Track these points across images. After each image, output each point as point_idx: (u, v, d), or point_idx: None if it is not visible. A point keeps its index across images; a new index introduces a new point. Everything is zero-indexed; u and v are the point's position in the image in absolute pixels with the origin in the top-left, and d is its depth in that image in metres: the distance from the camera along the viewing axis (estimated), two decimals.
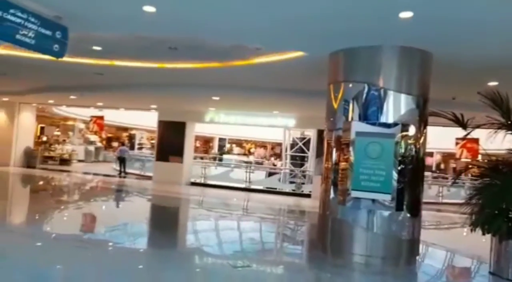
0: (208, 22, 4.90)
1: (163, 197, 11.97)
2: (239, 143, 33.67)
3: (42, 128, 22.49)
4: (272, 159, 28.91)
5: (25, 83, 12.12)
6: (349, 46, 5.40)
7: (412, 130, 5.23)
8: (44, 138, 21.47)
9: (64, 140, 22.92)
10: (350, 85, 5.46)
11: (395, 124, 5.15)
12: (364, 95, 5.30)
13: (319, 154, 12.92)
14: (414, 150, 5.27)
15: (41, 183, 13.49)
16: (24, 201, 10.20)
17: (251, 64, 6.82)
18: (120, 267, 4.58)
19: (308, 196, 13.55)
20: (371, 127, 5.20)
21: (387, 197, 5.08)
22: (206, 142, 32.89)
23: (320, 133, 12.97)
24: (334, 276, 4.75)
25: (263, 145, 33.38)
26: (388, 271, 5.02)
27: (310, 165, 17.63)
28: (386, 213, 5.17)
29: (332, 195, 5.53)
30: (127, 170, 16.66)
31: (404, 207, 5.18)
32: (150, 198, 12.09)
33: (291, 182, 16.86)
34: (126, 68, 8.11)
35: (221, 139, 32.74)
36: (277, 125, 15.43)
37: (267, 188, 15.26)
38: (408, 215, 5.26)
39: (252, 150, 32.95)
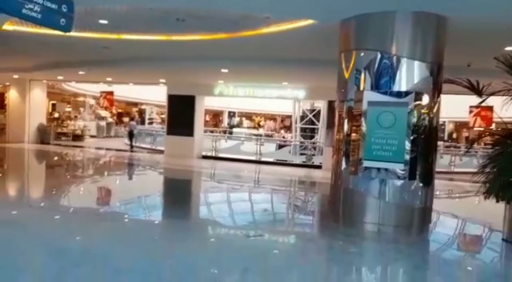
0: None
1: (175, 170, 12.14)
2: (248, 116, 33.60)
3: (53, 105, 22.69)
4: (282, 131, 28.89)
5: (33, 59, 12.13)
6: (361, 13, 5.23)
7: (425, 99, 5.13)
8: (56, 115, 21.70)
9: (75, 116, 23.15)
10: (362, 53, 5.32)
11: (408, 93, 5.05)
12: (376, 64, 5.17)
13: (329, 125, 12.84)
14: (427, 119, 5.19)
15: (56, 158, 13.75)
16: (41, 176, 10.46)
17: (260, 35, 6.67)
18: (135, 238, 4.71)
19: (318, 167, 13.60)
20: (384, 96, 5.12)
21: (400, 166, 5.06)
22: (215, 115, 32.90)
23: (330, 104, 12.86)
24: (347, 244, 4.82)
25: (272, 118, 33.27)
26: (400, 239, 5.07)
27: (320, 137, 17.61)
28: (398, 182, 5.16)
29: (344, 165, 5.53)
30: (135, 144, 17.02)
31: (417, 176, 5.17)
32: (163, 171, 12.27)
33: (301, 154, 16.91)
34: (133, 41, 8.02)
35: (230, 113, 32.70)
36: (286, 97, 15.29)
37: (277, 160, 15.34)
38: (421, 184, 5.26)
39: (261, 123, 32.91)
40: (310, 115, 18.45)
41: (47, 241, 4.43)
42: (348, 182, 5.51)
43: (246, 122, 32.54)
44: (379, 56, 5.14)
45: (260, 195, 8.90)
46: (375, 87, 5.18)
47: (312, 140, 17.65)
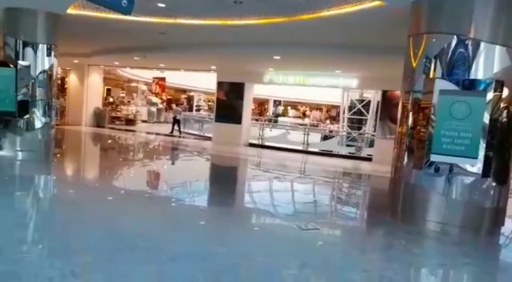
0: None
1: (223, 157, 12.18)
2: (293, 105, 33.25)
3: (108, 90, 23.68)
4: (328, 121, 28.25)
5: (92, 44, 12.61)
6: None
7: (506, 89, 4.60)
8: (111, 100, 22.63)
9: (128, 101, 24.02)
10: (434, 39, 4.87)
11: (486, 82, 4.56)
12: (451, 49, 4.70)
13: (383, 116, 12.25)
14: (506, 112, 4.67)
15: (109, 141, 14.34)
16: (95, 158, 10.94)
17: (320, 18, 6.33)
18: (185, 224, 4.69)
19: (368, 159, 13.08)
20: (458, 85, 4.66)
21: (472, 162, 4.61)
22: (260, 104, 32.83)
23: (385, 94, 12.25)
24: (409, 243, 4.49)
25: (318, 108, 32.66)
26: (468, 241, 4.66)
27: (369, 128, 16.95)
28: (469, 179, 4.73)
29: (406, 159, 5.16)
30: (183, 130, 17.54)
31: (491, 173, 4.69)
32: (210, 158, 12.38)
33: (348, 145, 16.39)
34: (188, 26, 8.00)
35: (275, 102, 32.50)
36: (338, 86, 14.81)
37: (323, 150, 14.96)
38: (494, 182, 4.78)
39: (307, 113, 32.40)
40: (359, 106, 17.81)
41: (101, 220, 4.53)
42: (410, 177, 5.14)
43: (291, 112, 32.23)
44: (454, 40, 4.68)
45: (310, 185, 8.67)
46: (448, 75, 4.73)
47: (360, 131, 17.02)
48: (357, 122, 18.21)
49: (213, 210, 5.83)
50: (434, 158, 4.77)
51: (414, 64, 5.07)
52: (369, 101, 17.35)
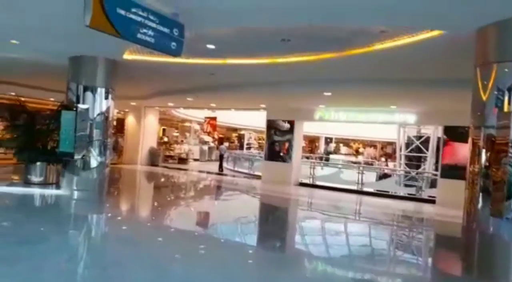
0: (324, 4, 4.36)
1: (273, 197, 11.77)
2: (346, 142, 32.36)
3: (163, 130, 24.68)
4: (382, 159, 26.96)
5: (148, 87, 13.24)
6: (505, 17, 4.29)
7: None
8: (165, 139, 23.48)
9: (182, 140, 24.77)
10: (506, 69, 4.33)
11: None
12: None
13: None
14: None
15: (162, 180, 14.60)
16: (148, 196, 11.06)
17: (371, 52, 6.03)
18: (234, 267, 4.34)
19: (430, 201, 11.98)
20: None
21: None
22: (311, 141, 32.36)
23: (447, 130, 11.36)
24: None
25: (372, 144, 31.47)
26: None
27: (428, 167, 15.83)
28: None
29: (481, 203, 4.49)
30: (229, 167, 17.84)
31: None
32: (260, 197, 12.03)
33: (407, 185, 15.28)
34: (238, 66, 8.06)
35: (327, 139, 31.88)
36: (394, 122, 14.09)
37: (378, 190, 14.01)
38: None
39: (360, 150, 31.31)
40: (417, 142, 16.78)
41: (153, 261, 4.37)
42: (487, 226, 4.43)
43: (343, 149, 31.33)
44: None
45: (366, 230, 7.96)
46: None
47: (419, 170, 15.88)
48: (415, 160, 17.08)
49: (263, 255, 5.39)
50: None
51: (484, 97, 4.53)
52: (428, 138, 16.30)
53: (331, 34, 5.68)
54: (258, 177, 15.28)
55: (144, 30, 4.42)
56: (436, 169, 14.02)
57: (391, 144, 26.83)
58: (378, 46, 5.82)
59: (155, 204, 9.41)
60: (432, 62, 6.30)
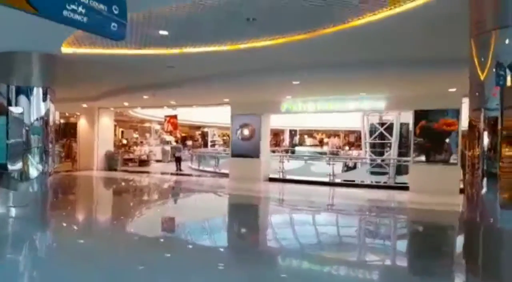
0: None
1: (243, 196, 11.00)
2: (309, 134, 32.27)
3: (122, 132, 23.22)
4: (346, 148, 26.99)
5: (98, 86, 12.06)
6: None
7: None
8: (124, 141, 22.08)
9: (141, 142, 23.46)
10: (507, 41, 3.78)
11: None
12: None
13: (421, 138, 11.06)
14: None
15: (120, 185, 13.44)
16: (102, 206, 9.86)
17: (347, 29, 5.33)
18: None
19: (402, 188, 11.71)
20: None
21: None
22: (275, 135, 31.98)
23: (417, 114, 11.08)
24: None
25: (335, 134, 31.52)
26: None
27: (393, 152, 15.75)
28: None
29: (484, 188, 3.95)
30: (200, 168, 17.02)
31: None
32: (229, 197, 11.24)
33: (373, 173, 15.07)
34: (197, 55, 7.17)
35: (291, 131, 31.65)
36: (364, 109, 13.84)
37: (345, 180, 13.66)
38: None
39: (325, 140, 31.29)
40: (381, 129, 16.67)
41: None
42: (494, 218, 3.90)
43: (308, 140, 31.20)
44: None
45: (358, 223, 7.41)
46: None
47: (384, 156, 15.74)
48: (379, 147, 16.93)
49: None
50: None
51: (481, 76, 3.97)
52: (391, 124, 16.20)
53: (300, 10, 4.91)
54: (226, 175, 14.47)
55: (73, 6, 3.44)
56: (400, 155, 13.92)
57: (353, 132, 26.86)
58: (353, 22, 5.13)
59: (109, 215, 8.39)
60: (410, 38, 5.71)
